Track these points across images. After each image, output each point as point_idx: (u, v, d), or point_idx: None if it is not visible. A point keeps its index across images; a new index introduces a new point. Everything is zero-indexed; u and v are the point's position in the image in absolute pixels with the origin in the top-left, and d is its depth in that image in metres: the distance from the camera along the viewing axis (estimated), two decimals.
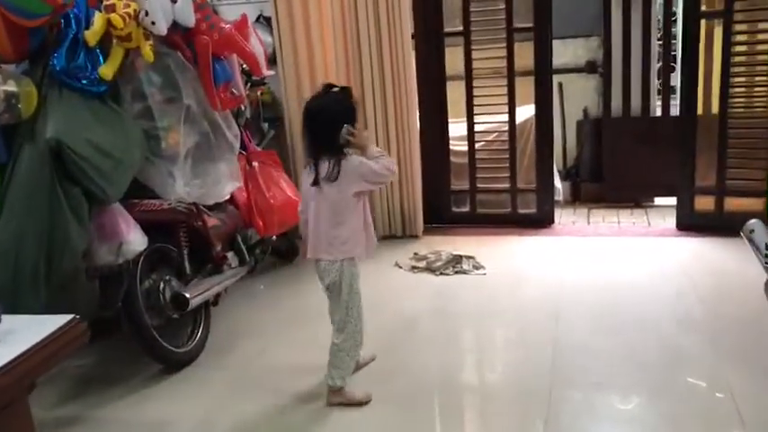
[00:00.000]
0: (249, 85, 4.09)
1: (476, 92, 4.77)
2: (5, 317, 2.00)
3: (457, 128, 4.94)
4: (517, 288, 3.89)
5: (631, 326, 3.34)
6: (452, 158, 4.97)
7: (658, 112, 5.45)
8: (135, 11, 2.74)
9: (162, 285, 3.10)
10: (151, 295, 3.08)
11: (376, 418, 2.72)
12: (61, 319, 2.08)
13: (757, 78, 4.38)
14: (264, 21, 4.74)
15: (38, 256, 2.53)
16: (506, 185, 4.89)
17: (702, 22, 4.42)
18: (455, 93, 4.85)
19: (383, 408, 2.77)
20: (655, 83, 5.44)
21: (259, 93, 4.38)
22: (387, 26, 4.44)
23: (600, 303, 3.61)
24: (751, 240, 3.08)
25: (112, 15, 2.66)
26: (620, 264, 4.17)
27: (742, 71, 4.36)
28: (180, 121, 2.91)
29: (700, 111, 4.56)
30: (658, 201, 5.50)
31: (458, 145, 4.97)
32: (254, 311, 3.82)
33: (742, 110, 4.43)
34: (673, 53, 5.66)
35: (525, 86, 4.79)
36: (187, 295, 3.06)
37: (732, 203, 4.50)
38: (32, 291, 2.54)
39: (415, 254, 4.41)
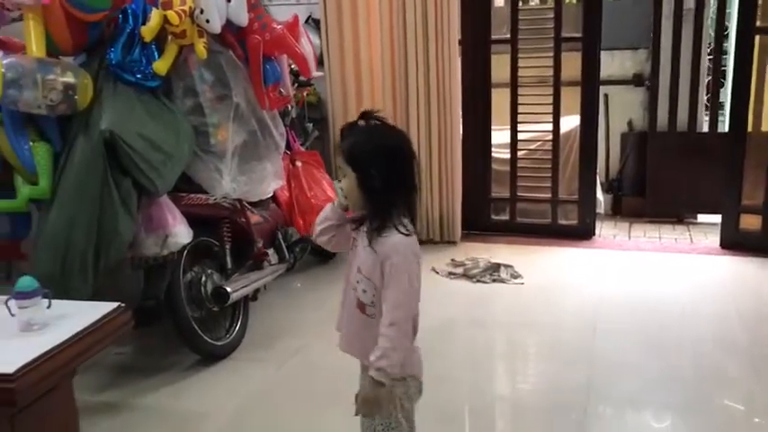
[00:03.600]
0: (296, 85, 4.13)
1: (521, 100, 4.75)
2: (55, 302, 2.06)
3: (500, 135, 4.92)
4: (555, 300, 3.85)
5: (670, 344, 3.29)
6: (494, 166, 4.95)
7: (705, 128, 5.37)
8: (190, 8, 2.80)
9: (204, 278, 3.15)
10: (192, 288, 3.13)
11: None
12: (108, 307, 2.13)
13: None
14: (314, 22, 4.79)
15: (87, 243, 2.60)
16: (547, 195, 4.85)
17: (757, 37, 4.34)
18: (499, 100, 4.83)
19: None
20: (703, 98, 5.36)
21: (305, 93, 4.42)
22: (434, 31, 4.44)
23: (639, 319, 3.56)
24: None
25: (169, 12, 2.72)
26: (661, 280, 4.11)
27: None
28: (229, 119, 2.96)
29: (749, 128, 4.47)
30: (701, 218, 5.41)
31: (500, 152, 4.95)
32: (291, 309, 3.85)
33: None
34: (722, 68, 5.57)
35: (570, 96, 4.75)
36: (228, 289, 3.11)
37: None
38: (81, 277, 2.61)
39: (453, 260, 4.41)
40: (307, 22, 4.82)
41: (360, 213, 1.85)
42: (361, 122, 1.82)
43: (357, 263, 1.87)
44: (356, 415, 1.87)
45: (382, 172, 1.76)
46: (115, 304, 2.15)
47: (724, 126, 5.50)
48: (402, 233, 1.78)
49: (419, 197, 1.88)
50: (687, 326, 3.49)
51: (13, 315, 1.96)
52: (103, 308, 2.12)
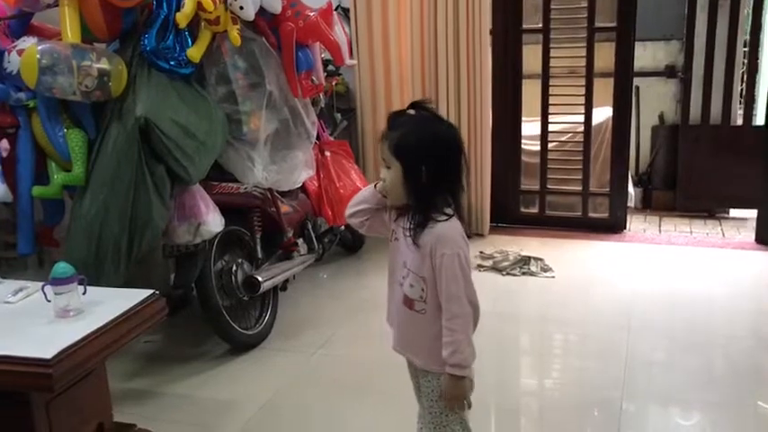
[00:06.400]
0: (325, 74, 4.09)
1: (552, 91, 4.69)
2: (90, 288, 2.05)
3: (530, 127, 4.86)
4: (587, 294, 3.80)
5: (706, 341, 3.23)
6: (524, 158, 4.89)
7: (739, 121, 5.27)
8: None
9: (234, 267, 3.14)
10: (223, 276, 3.12)
11: None
12: (142, 294, 2.13)
13: None
14: (343, 12, 4.75)
15: (120, 231, 2.59)
16: (578, 188, 4.79)
17: None
18: (530, 91, 4.77)
19: None
20: (737, 91, 5.25)
21: (333, 83, 4.39)
22: (465, 20, 4.39)
23: (673, 315, 3.50)
24: None
25: None
26: (694, 275, 4.03)
27: None
28: (262, 107, 2.93)
29: None
30: (733, 212, 5.32)
31: (530, 144, 4.90)
32: (319, 300, 3.84)
33: None
34: (757, 60, 5.45)
35: (602, 88, 4.69)
36: (259, 278, 3.09)
37: None
38: (113, 265, 2.60)
39: (481, 252, 4.36)
40: (336, 10, 4.78)
41: (401, 203, 1.78)
42: (411, 111, 1.74)
43: (402, 257, 1.80)
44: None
45: (431, 167, 1.68)
46: (149, 292, 2.14)
47: (757, 119, 5.41)
48: (442, 220, 1.72)
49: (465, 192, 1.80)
50: (723, 322, 3.42)
51: (49, 301, 1.96)
52: (138, 295, 2.12)
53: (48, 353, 1.74)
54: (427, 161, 1.68)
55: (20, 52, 2.54)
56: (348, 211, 1.90)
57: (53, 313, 1.95)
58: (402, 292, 1.81)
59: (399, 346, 1.91)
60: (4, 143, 2.70)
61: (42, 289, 1.99)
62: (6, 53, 2.59)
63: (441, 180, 1.71)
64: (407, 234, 1.75)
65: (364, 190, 1.88)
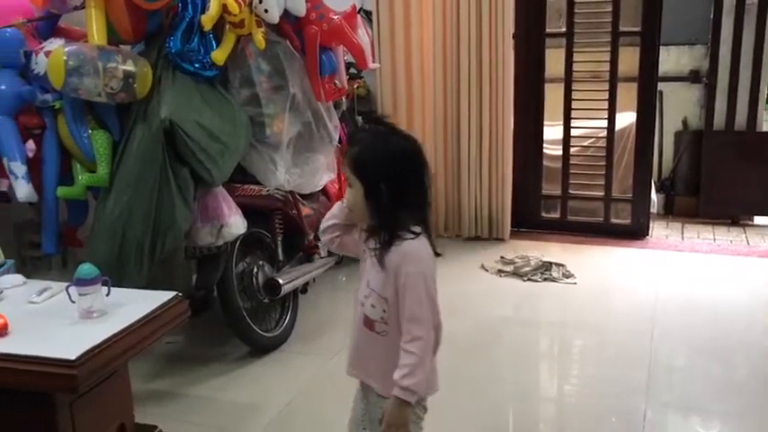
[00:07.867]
0: (347, 77, 4.09)
1: (575, 95, 4.65)
2: (114, 290, 2.06)
3: (552, 131, 4.83)
4: (609, 301, 3.76)
5: (730, 349, 3.18)
6: (545, 162, 4.86)
7: (765, 128, 5.20)
8: None
9: (255, 270, 3.14)
10: (244, 278, 3.12)
11: (451, 428, 2.60)
12: (166, 296, 2.13)
13: None
14: (365, 14, 4.75)
15: (144, 232, 2.60)
16: (600, 193, 4.75)
17: None
18: (553, 95, 4.74)
19: (460, 419, 2.67)
20: (764, 96, 5.18)
21: (355, 86, 4.38)
22: (488, 24, 4.37)
23: (696, 323, 3.45)
24: None
25: (228, 1, 2.70)
26: (719, 283, 3.98)
27: None
28: (285, 110, 2.93)
29: None
30: (758, 220, 5.25)
31: (552, 149, 4.86)
32: (338, 303, 3.83)
33: None
34: None
35: (625, 93, 4.64)
36: (280, 281, 3.09)
37: None
38: (136, 266, 2.61)
39: (502, 257, 4.33)
40: (358, 13, 4.77)
41: (367, 223, 1.70)
42: (368, 126, 1.69)
43: (366, 276, 1.72)
44: None
45: (391, 184, 1.60)
46: (172, 294, 2.14)
47: None
48: (409, 239, 1.63)
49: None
50: (747, 330, 3.37)
51: (73, 302, 1.97)
52: (161, 297, 2.12)
53: (72, 354, 1.74)
54: (386, 178, 1.60)
55: (47, 54, 2.57)
56: (320, 227, 1.84)
57: (77, 314, 1.96)
58: (363, 312, 1.73)
59: (355, 368, 1.82)
60: (31, 144, 2.73)
61: (67, 290, 1.99)
62: (34, 54, 2.62)
63: (404, 196, 1.63)
64: (373, 254, 1.67)
65: (334, 207, 1.81)
